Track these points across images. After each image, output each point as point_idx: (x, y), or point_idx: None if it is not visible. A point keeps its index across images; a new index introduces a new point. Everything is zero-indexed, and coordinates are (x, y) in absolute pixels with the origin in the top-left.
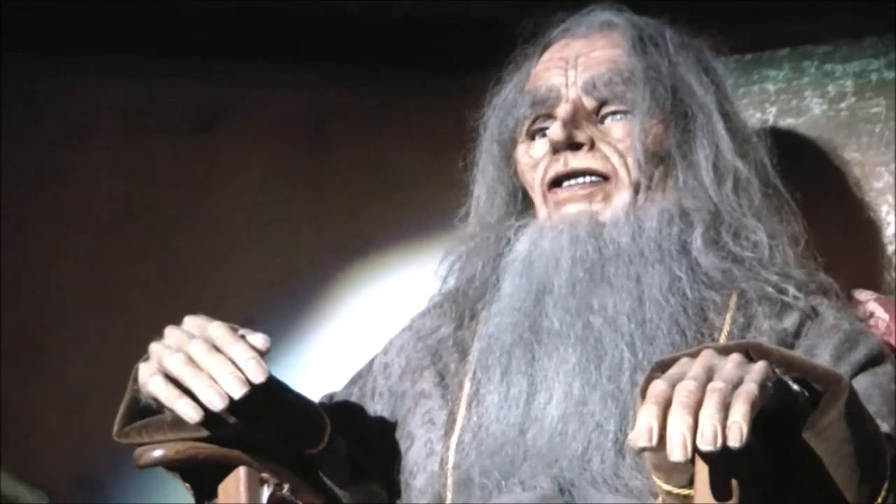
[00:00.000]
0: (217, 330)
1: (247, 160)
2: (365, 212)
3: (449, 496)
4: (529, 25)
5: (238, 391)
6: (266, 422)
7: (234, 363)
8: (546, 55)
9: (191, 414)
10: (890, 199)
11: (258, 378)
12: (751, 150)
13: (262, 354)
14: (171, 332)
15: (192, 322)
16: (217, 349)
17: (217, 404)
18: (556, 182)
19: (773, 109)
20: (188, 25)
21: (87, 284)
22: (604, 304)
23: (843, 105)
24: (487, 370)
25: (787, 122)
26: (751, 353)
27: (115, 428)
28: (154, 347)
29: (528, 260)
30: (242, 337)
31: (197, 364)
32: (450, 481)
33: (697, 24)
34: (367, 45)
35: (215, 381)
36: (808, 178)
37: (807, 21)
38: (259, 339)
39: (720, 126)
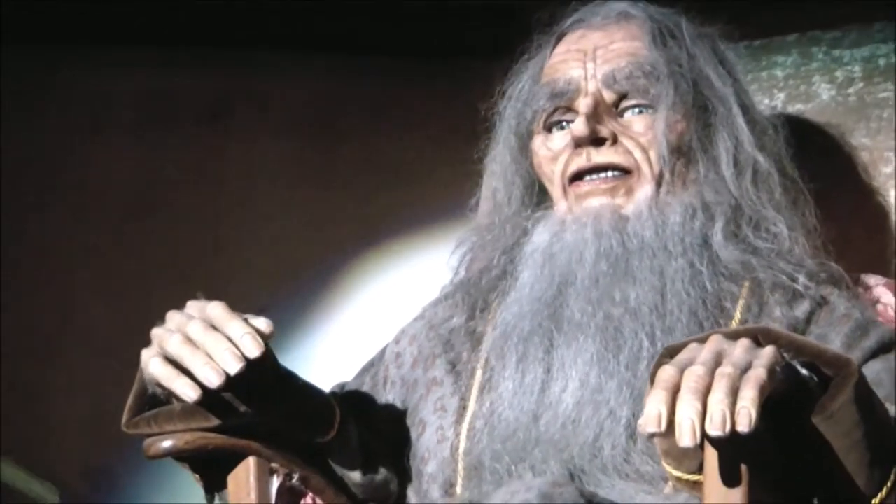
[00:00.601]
0: (215, 309)
1: (256, 152)
2: (374, 202)
3: (459, 481)
4: (544, 15)
5: (234, 367)
6: (275, 409)
7: (230, 340)
8: (562, 46)
9: (189, 393)
10: None
11: (253, 353)
12: (769, 143)
13: (267, 338)
14: (171, 316)
15: (193, 305)
16: (215, 328)
17: (214, 381)
18: (578, 176)
19: (782, 95)
20: (196, 17)
21: (99, 275)
22: (626, 296)
23: (851, 90)
24: (503, 357)
25: (796, 108)
26: (759, 338)
27: (124, 418)
28: (155, 331)
29: (550, 252)
30: (245, 320)
31: (194, 343)
32: (460, 467)
33: (706, 11)
34: (375, 36)
35: (212, 359)
36: (816, 163)
37: (815, 6)
38: (262, 323)
39: (740, 119)
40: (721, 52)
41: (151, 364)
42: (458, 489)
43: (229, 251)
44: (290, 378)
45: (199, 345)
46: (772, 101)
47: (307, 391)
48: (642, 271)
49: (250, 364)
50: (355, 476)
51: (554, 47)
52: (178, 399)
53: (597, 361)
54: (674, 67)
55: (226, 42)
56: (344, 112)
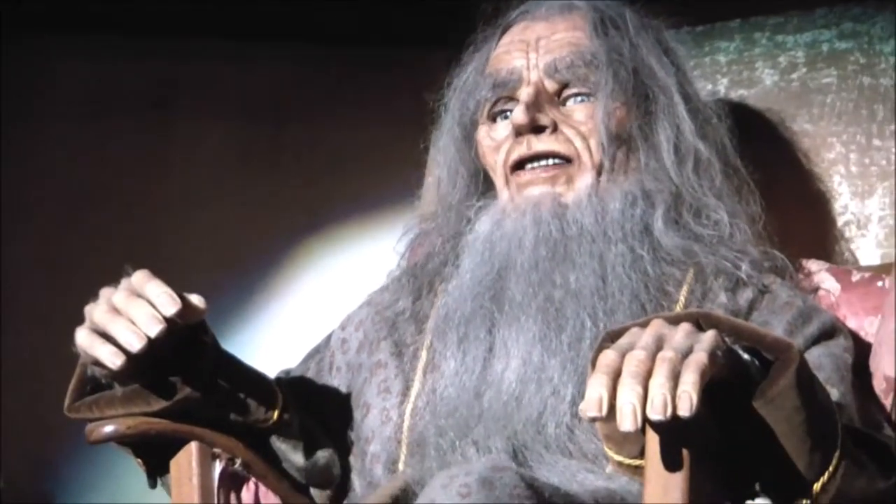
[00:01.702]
0: (137, 276)
1: (202, 137)
2: (318, 188)
3: (402, 459)
4: (489, 6)
5: (154, 328)
6: (216, 393)
7: (151, 304)
8: (506, 38)
9: (112, 360)
10: (842, 169)
11: (169, 310)
12: (711, 131)
13: (199, 312)
14: (101, 292)
15: (123, 280)
16: (139, 296)
17: (135, 344)
18: (519, 165)
19: (725, 81)
20: (139, 3)
21: (42, 264)
22: (566, 279)
23: (794, 76)
24: (444, 336)
25: (739, 94)
26: (701, 323)
27: (66, 402)
28: (87, 307)
29: (490, 240)
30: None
31: (118, 310)
32: (404, 445)
33: None
34: (322, 23)
35: (134, 324)
36: (759, 149)
37: None
38: (194, 297)
39: (681, 108)
40: (665, 42)
41: (78, 335)
42: (401, 466)
43: (173, 237)
44: (233, 362)
45: (122, 311)
46: (715, 86)
47: (249, 376)
48: (581, 256)
49: (186, 346)
50: (297, 460)
51: (499, 39)
52: (117, 381)
53: (539, 340)
54: (613, 56)
55: (169, 29)
56: (288, 98)
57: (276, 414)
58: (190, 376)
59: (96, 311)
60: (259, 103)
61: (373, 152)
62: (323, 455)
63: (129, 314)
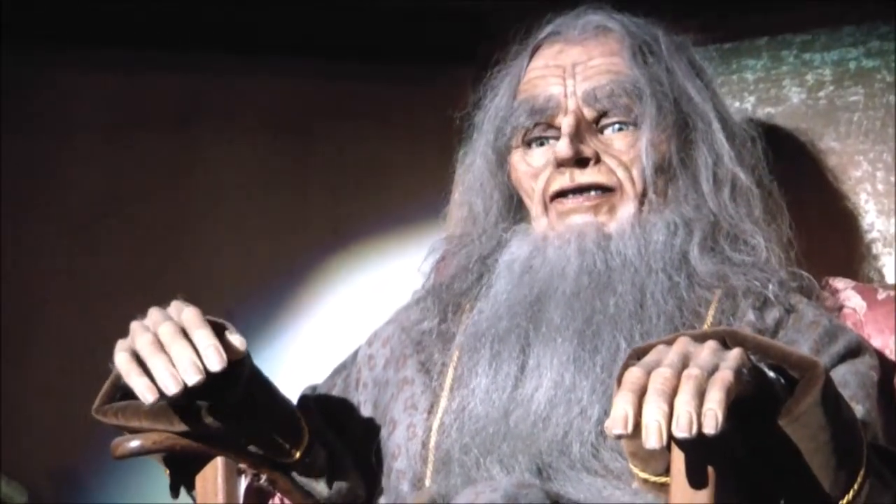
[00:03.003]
0: (189, 315)
1: (226, 154)
2: (344, 205)
3: (428, 475)
4: (518, 25)
5: (192, 378)
6: (241, 426)
7: (196, 349)
8: (539, 61)
9: (146, 394)
10: (868, 187)
11: (214, 366)
12: (748, 156)
13: (238, 354)
14: (151, 312)
15: (174, 305)
16: (185, 334)
17: (171, 388)
18: (561, 193)
19: (752, 98)
20: (165, 19)
21: (67, 277)
22: (605, 304)
23: (821, 94)
24: (475, 353)
25: (766, 111)
26: (727, 341)
27: (96, 403)
28: (133, 325)
29: (529, 264)
30: (220, 328)
31: (162, 346)
32: (430, 461)
33: (677, 15)
34: (346, 38)
35: (173, 365)
36: (786, 167)
37: (785, 10)
38: (236, 339)
39: (719, 134)
40: (696, 62)
41: (118, 357)
42: (427, 483)
43: (199, 254)
44: (265, 396)
45: (166, 348)
46: (742, 104)
47: (277, 412)
48: (623, 285)
49: (220, 376)
50: (320, 490)
51: (530, 60)
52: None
53: (572, 362)
54: (655, 86)
55: (195, 45)
56: (314, 116)
57: (298, 454)
58: (217, 406)
59: (140, 338)
60: (284, 119)
61: (398, 169)
62: (348, 479)
63: (172, 354)
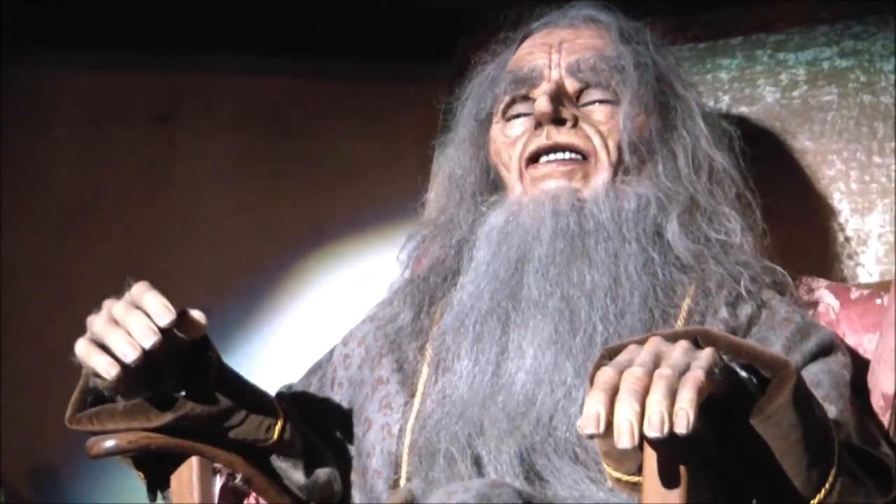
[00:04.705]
0: (137, 287)
1: (204, 150)
2: (321, 203)
3: (403, 474)
4: (497, 23)
5: (149, 340)
6: (216, 410)
7: (148, 316)
8: (528, 42)
9: (108, 370)
10: (842, 186)
11: (165, 320)
12: (725, 145)
13: (198, 327)
14: (105, 303)
15: (129, 290)
16: (136, 307)
17: (130, 355)
18: (534, 158)
19: (727, 98)
20: (144, 17)
21: (45, 274)
22: (582, 278)
23: (795, 93)
24: (459, 335)
25: (741, 111)
26: (699, 340)
27: (68, 413)
28: (89, 318)
29: (505, 231)
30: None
31: (116, 321)
32: (405, 460)
33: (653, 14)
34: (324, 36)
35: (130, 335)
36: (761, 166)
37: (759, 9)
38: (196, 313)
39: (699, 119)
40: (679, 64)
41: (77, 345)
42: (402, 482)
43: (176, 251)
44: (235, 380)
45: (120, 322)
46: (717, 103)
47: (251, 394)
48: (598, 253)
49: (190, 361)
50: (297, 478)
51: (519, 44)
52: (119, 394)
53: (553, 342)
54: (639, 64)
55: (173, 42)
56: (291, 113)
57: (276, 433)
58: (191, 392)
59: (96, 322)
60: (262, 117)
61: (375, 166)
62: (324, 473)
63: (126, 325)
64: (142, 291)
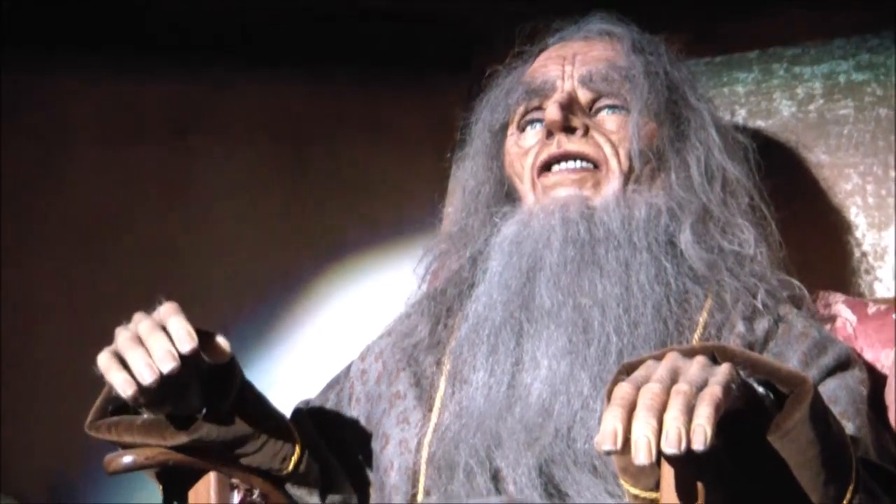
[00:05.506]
0: (165, 308)
1: (221, 164)
2: (338, 217)
3: (420, 489)
4: (512, 35)
5: (167, 365)
6: (234, 438)
7: (171, 340)
8: (543, 55)
9: (124, 388)
10: (858, 200)
11: (186, 347)
12: (739, 156)
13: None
14: (135, 316)
15: (158, 308)
16: (163, 328)
17: (147, 377)
18: (546, 167)
19: (743, 111)
20: (161, 29)
21: (62, 289)
22: (594, 287)
23: (811, 107)
24: (474, 346)
25: (757, 124)
26: (716, 356)
27: (89, 419)
28: (117, 329)
29: (517, 240)
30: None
31: (140, 341)
32: (422, 475)
33: (669, 28)
34: (340, 48)
35: (150, 357)
36: (777, 179)
37: (776, 23)
38: (221, 340)
39: (712, 130)
40: (694, 78)
41: (100, 357)
42: (420, 497)
43: (194, 266)
44: (258, 405)
45: (143, 341)
46: (733, 117)
47: (271, 422)
48: (609, 261)
49: (211, 385)
50: (314, 502)
51: (535, 58)
52: (140, 407)
53: (568, 352)
54: (651, 75)
55: (191, 57)
56: (309, 127)
57: (291, 464)
58: (210, 413)
59: (120, 336)
60: (279, 130)
61: (394, 179)
62: (341, 492)
63: (148, 345)
64: (169, 313)
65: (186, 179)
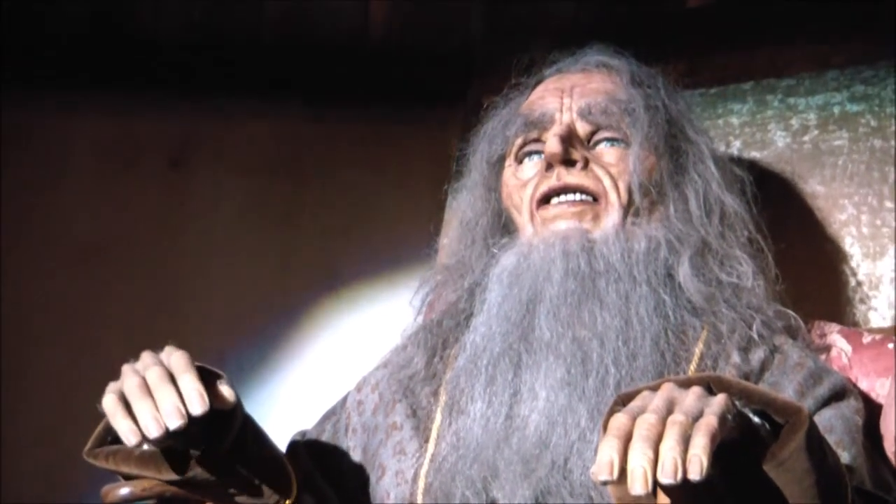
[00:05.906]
0: (177, 359)
1: (218, 195)
2: (336, 246)
3: None
4: (521, 61)
5: (174, 422)
6: (230, 476)
7: (181, 395)
8: (540, 87)
9: (128, 436)
10: (853, 230)
11: (196, 410)
12: (737, 189)
13: (225, 405)
14: (143, 356)
15: (167, 350)
16: (173, 380)
17: (153, 431)
18: (545, 199)
19: (738, 142)
20: (157, 61)
21: (59, 320)
22: (593, 319)
23: (806, 138)
24: (471, 378)
25: (752, 155)
26: (711, 386)
27: (87, 445)
28: (124, 368)
29: (516, 272)
30: (214, 376)
31: (149, 390)
32: None
33: (663, 59)
34: (338, 79)
35: (158, 410)
36: (772, 210)
37: (770, 54)
38: (226, 390)
39: (711, 163)
40: (692, 110)
41: (106, 399)
42: None
43: (190, 295)
44: (256, 445)
45: (152, 392)
46: (728, 147)
47: (268, 463)
48: (609, 294)
49: (211, 425)
50: None
51: (532, 89)
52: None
53: (566, 384)
54: (650, 108)
55: (186, 87)
56: (305, 158)
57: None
58: (205, 455)
59: (128, 381)
60: (275, 161)
61: (390, 211)
62: None
63: (157, 398)
64: (181, 367)
65: (182, 210)
